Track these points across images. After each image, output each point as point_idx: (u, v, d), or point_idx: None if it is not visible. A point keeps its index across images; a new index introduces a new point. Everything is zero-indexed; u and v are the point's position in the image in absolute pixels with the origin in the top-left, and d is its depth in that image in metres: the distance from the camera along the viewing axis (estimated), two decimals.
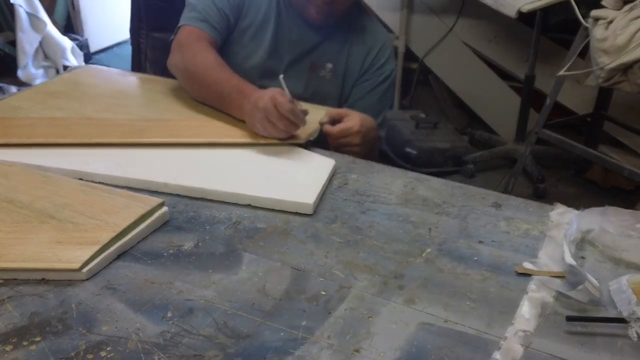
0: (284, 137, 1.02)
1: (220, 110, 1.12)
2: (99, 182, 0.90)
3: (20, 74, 2.89)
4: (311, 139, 1.06)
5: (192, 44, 1.15)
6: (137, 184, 0.90)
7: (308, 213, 0.87)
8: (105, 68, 1.40)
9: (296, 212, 0.87)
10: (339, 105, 1.27)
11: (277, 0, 1.23)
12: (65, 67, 2.93)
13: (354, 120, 1.08)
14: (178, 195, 0.89)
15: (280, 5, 1.23)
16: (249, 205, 0.88)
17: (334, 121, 1.09)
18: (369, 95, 1.29)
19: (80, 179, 0.90)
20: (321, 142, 1.08)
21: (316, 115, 1.09)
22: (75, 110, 1.11)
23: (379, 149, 1.29)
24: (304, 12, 1.21)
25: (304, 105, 1.04)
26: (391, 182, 0.97)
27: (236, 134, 1.05)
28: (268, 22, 1.23)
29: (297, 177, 0.94)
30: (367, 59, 1.29)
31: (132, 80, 1.31)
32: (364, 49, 1.28)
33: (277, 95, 1.00)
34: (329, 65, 1.27)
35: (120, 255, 0.76)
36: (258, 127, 1.02)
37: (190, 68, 1.13)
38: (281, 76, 1.03)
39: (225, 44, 1.23)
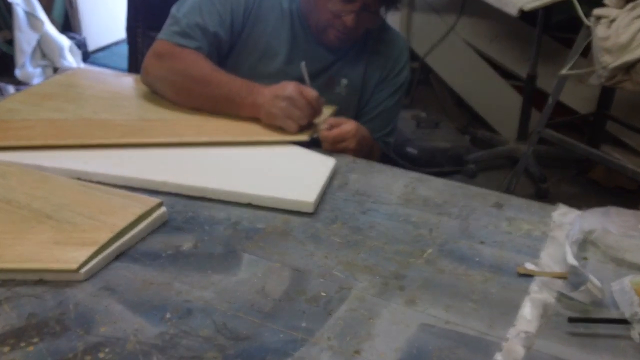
0: (304, 124, 1.04)
1: (223, 113, 1.10)
2: (98, 182, 0.90)
3: (17, 73, 2.88)
4: (314, 136, 1.06)
5: (179, 55, 1.11)
6: (136, 182, 0.90)
7: (309, 211, 0.86)
8: (98, 69, 1.40)
9: (296, 212, 0.86)
10: (356, 120, 1.22)
11: (290, 18, 1.19)
12: (56, 69, 2.92)
13: (350, 125, 1.07)
14: (177, 196, 0.89)
15: (294, 23, 1.19)
16: (249, 204, 0.88)
17: (331, 128, 1.08)
18: (382, 104, 1.28)
19: (79, 178, 0.90)
20: (321, 143, 1.08)
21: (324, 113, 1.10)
22: (72, 111, 1.10)
23: (388, 156, 1.28)
24: (322, 35, 1.17)
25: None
26: (392, 182, 0.97)
27: (237, 133, 1.05)
28: (279, 38, 1.19)
29: (298, 176, 0.93)
30: (385, 68, 1.26)
31: (127, 81, 1.30)
32: (382, 59, 1.26)
33: (299, 84, 1.04)
34: (344, 81, 1.24)
35: (119, 256, 0.75)
36: (279, 116, 1.04)
37: (184, 76, 1.10)
38: (303, 63, 1.06)
39: (225, 59, 1.20)
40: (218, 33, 1.15)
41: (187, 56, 1.11)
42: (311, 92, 1.03)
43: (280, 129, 1.05)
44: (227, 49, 1.19)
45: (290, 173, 0.94)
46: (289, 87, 1.03)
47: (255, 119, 1.08)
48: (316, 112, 1.05)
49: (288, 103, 1.02)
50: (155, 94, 1.18)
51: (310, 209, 0.86)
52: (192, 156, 0.98)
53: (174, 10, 1.16)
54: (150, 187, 0.89)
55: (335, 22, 1.14)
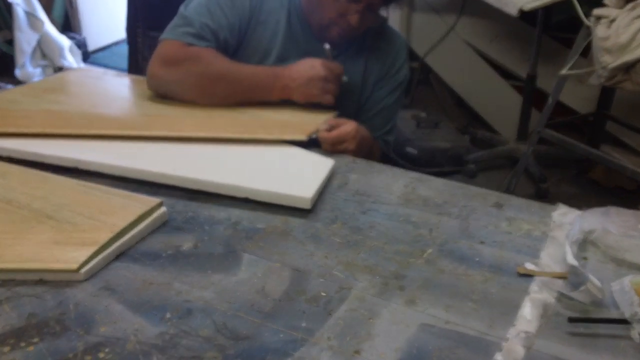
0: (337, 94, 1.15)
1: (249, 102, 1.15)
2: (95, 171, 0.90)
3: (17, 73, 2.88)
4: (313, 136, 1.06)
5: (194, 56, 1.11)
6: (134, 174, 0.90)
7: (306, 208, 0.86)
8: (98, 69, 1.40)
9: (296, 212, 0.86)
10: (356, 117, 1.22)
11: (287, 16, 1.19)
12: (56, 69, 2.93)
13: (350, 126, 1.08)
14: (177, 196, 0.89)
15: (293, 22, 1.19)
16: (247, 199, 0.87)
17: (331, 129, 1.08)
18: (382, 102, 1.28)
19: (77, 167, 0.90)
20: (321, 144, 1.08)
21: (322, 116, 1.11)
22: (72, 105, 1.11)
23: (388, 156, 1.28)
24: (324, 32, 1.18)
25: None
26: (392, 182, 0.97)
27: (236, 130, 1.05)
28: (276, 39, 1.19)
29: (296, 173, 0.94)
30: (385, 65, 1.26)
31: (127, 81, 1.31)
32: (381, 56, 1.26)
33: (325, 61, 1.14)
34: (344, 78, 1.23)
35: (119, 256, 0.75)
36: (318, 95, 1.12)
37: (203, 76, 1.11)
38: (327, 45, 1.15)
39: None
40: (226, 36, 1.15)
41: (203, 56, 1.12)
42: (336, 66, 1.14)
43: (300, 118, 1.11)
44: (231, 52, 1.19)
45: (289, 171, 0.94)
46: (319, 67, 1.11)
47: (259, 116, 1.11)
48: (340, 81, 1.16)
49: (324, 83, 1.11)
50: (157, 96, 1.18)
51: (307, 205, 0.86)
52: (192, 151, 0.98)
53: (182, 10, 1.16)
54: (147, 179, 0.89)
55: (340, 21, 1.14)
